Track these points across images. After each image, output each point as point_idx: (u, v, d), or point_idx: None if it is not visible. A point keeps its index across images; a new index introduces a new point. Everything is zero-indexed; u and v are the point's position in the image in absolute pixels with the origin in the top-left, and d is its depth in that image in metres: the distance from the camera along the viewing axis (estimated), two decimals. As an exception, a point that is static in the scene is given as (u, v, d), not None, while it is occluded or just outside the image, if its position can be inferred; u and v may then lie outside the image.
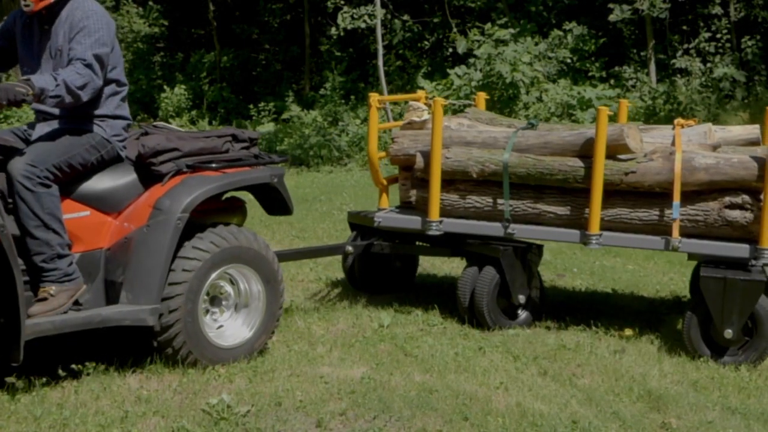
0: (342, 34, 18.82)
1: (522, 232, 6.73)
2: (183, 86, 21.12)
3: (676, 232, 6.40)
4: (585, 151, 6.55)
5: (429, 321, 6.97)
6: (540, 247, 6.87)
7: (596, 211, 6.46)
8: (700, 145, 6.68)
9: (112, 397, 5.19)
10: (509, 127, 7.17)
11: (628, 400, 5.51)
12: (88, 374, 5.42)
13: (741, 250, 6.38)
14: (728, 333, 6.21)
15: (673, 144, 6.63)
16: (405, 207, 7.18)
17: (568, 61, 17.89)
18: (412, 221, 6.93)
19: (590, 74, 18.22)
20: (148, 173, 5.64)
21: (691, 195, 6.41)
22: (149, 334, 5.53)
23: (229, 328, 5.87)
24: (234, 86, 21.87)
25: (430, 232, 6.78)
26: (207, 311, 5.76)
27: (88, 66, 5.29)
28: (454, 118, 7.29)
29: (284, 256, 6.88)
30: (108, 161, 5.59)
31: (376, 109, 6.94)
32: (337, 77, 20.26)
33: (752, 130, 7.05)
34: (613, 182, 6.44)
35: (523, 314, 6.86)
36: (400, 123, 7.49)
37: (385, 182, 7.28)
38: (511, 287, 6.72)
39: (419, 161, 6.81)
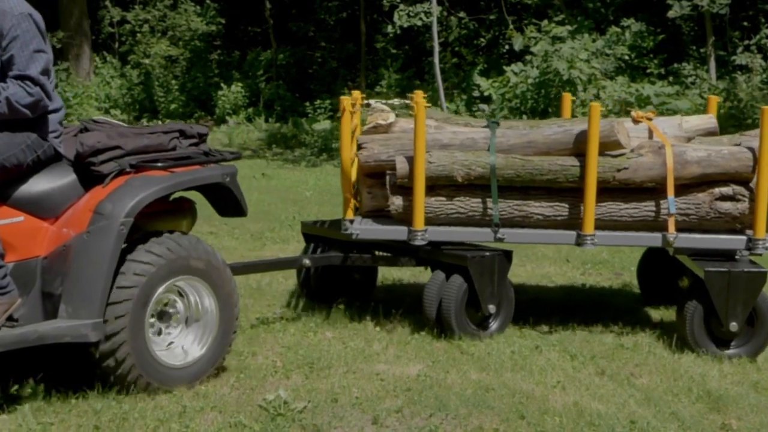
0: (398, 32, 18.81)
1: (512, 236, 6.47)
2: (240, 84, 21.13)
3: (672, 227, 6.34)
4: (575, 149, 6.38)
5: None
6: (509, 254, 6.53)
7: (590, 211, 6.30)
8: (675, 138, 6.67)
9: (170, 392, 5.28)
10: (466, 125, 6.87)
11: (687, 400, 5.44)
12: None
13: (737, 242, 6.38)
14: (734, 326, 6.20)
15: (650, 137, 6.59)
16: (372, 217, 6.76)
17: (626, 58, 17.74)
18: (394, 232, 6.52)
19: (648, 71, 18.07)
20: (87, 174, 5.21)
21: (681, 189, 6.36)
22: (91, 351, 5.06)
23: (180, 345, 5.44)
24: (290, 84, 22.00)
25: (416, 243, 6.41)
26: (154, 327, 5.34)
27: (39, 85, 4.95)
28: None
29: (235, 270, 6.22)
30: (45, 161, 5.14)
31: (349, 113, 6.53)
32: (392, 75, 20.41)
33: (709, 120, 7.05)
34: (606, 180, 6.30)
35: (493, 324, 6.53)
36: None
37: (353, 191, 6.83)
38: (480, 297, 6.41)
39: (400, 167, 6.37)
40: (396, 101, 7.17)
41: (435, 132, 6.66)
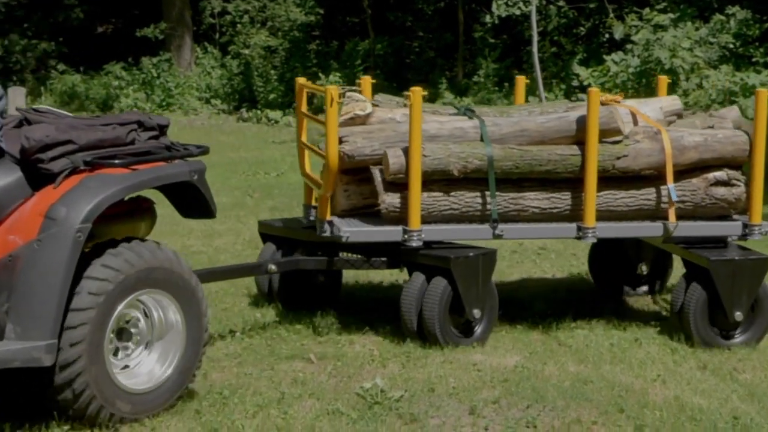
0: (496, 21, 18.60)
1: (511, 232, 6.12)
2: (338, 74, 20.85)
3: (672, 216, 6.17)
4: (572, 137, 6.12)
5: (582, 310, 6.79)
6: (494, 253, 6.10)
7: (591, 202, 6.04)
8: (658, 121, 6.48)
9: (269, 379, 5.41)
10: (433, 113, 6.40)
11: (792, 396, 5.26)
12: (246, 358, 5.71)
13: (733, 228, 6.29)
14: (738, 315, 6.08)
15: (635, 123, 6.38)
16: (347, 216, 6.24)
17: (731, 46, 17.31)
18: (388, 233, 6.00)
19: (754, 60, 17.58)
20: (35, 173, 4.62)
21: (675, 175, 6.18)
22: (43, 376, 4.55)
23: (143, 366, 4.88)
24: (387, 74, 21.79)
25: (412, 244, 5.93)
26: (113, 348, 4.78)
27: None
28: (397, 109, 6.42)
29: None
30: None
31: (337, 104, 5.94)
32: (490, 64, 20.21)
33: (673, 102, 6.85)
34: (605, 168, 6.07)
35: (478, 330, 6.08)
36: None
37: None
38: (464, 301, 5.95)
39: (394, 161, 5.87)
40: (344, 88, 6.42)
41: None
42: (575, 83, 17.89)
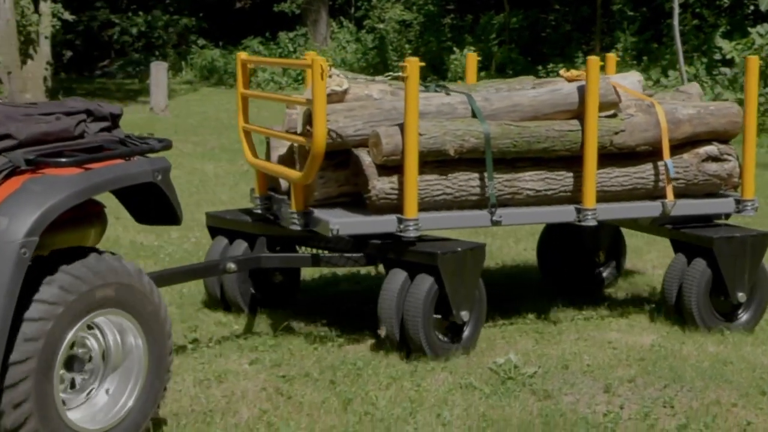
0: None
1: (509, 217, 5.62)
2: (472, 48, 20.60)
3: (671, 194, 5.85)
4: (569, 112, 5.69)
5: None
6: (483, 248, 5.56)
7: (591, 181, 5.63)
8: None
9: (402, 351, 5.42)
10: (391, 86, 5.84)
11: None
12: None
13: (726, 204, 6.06)
14: (741, 296, 5.85)
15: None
16: (321, 207, 5.53)
17: None
18: (381, 223, 5.37)
19: None
20: None
21: (660, 150, 5.86)
22: None
23: (97, 401, 4.16)
24: (522, 47, 21.80)
25: (409, 234, 5.33)
26: (64, 383, 4.06)
27: None
28: (373, 85, 5.83)
29: None
30: None
31: (320, 75, 5.13)
32: (628, 37, 19.91)
33: (633, 78, 6.45)
34: (602, 145, 5.67)
35: (466, 333, 5.50)
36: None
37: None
38: (451, 301, 5.37)
39: (387, 141, 5.26)
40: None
41: (395, 99, 5.63)
42: (717, 57, 17.37)
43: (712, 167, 5.99)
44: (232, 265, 5.63)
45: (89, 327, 4.06)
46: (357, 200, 5.57)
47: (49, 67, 18.48)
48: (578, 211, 5.71)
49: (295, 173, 5.45)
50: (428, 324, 5.29)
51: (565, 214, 5.74)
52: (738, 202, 6.05)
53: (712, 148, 5.99)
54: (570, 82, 6.11)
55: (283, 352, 5.41)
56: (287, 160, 5.79)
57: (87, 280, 3.91)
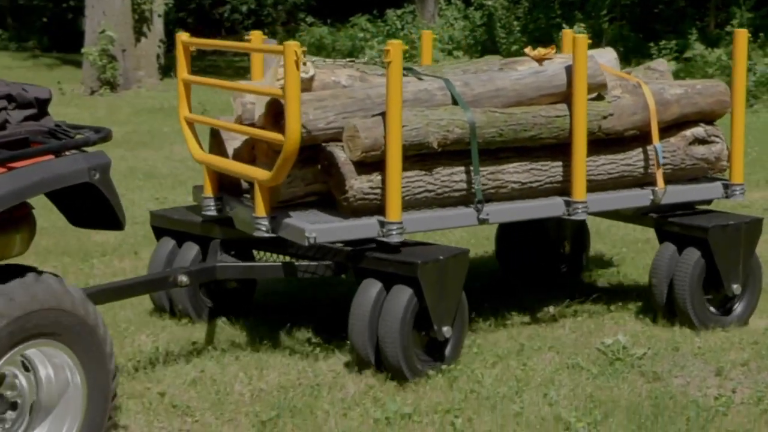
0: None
1: (496, 214, 5.13)
2: (582, 24, 19.74)
3: (661, 181, 5.45)
4: (554, 95, 5.22)
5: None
6: (467, 253, 5.03)
7: (581, 171, 5.17)
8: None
9: (507, 332, 5.47)
10: (358, 71, 5.27)
11: None
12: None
13: (714, 190, 5.69)
14: (736, 288, 5.51)
15: None
16: (287, 208, 4.95)
17: None
18: (361, 228, 4.79)
19: None
20: None
21: (647, 134, 5.46)
22: None
23: None
24: (634, 24, 21.09)
25: (392, 240, 4.76)
26: None
27: None
28: (338, 70, 5.23)
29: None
30: None
31: (294, 63, 4.49)
32: (745, 13, 19.15)
33: (606, 54, 5.98)
34: (591, 130, 5.21)
35: (447, 349, 4.96)
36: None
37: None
38: (432, 316, 4.82)
39: (366, 135, 4.69)
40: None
41: (367, 86, 5.07)
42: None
43: (700, 150, 5.62)
44: (183, 279, 4.98)
45: (18, 361, 3.49)
46: (325, 200, 5.01)
47: (161, 45, 18.43)
48: (567, 204, 5.24)
49: (262, 173, 4.82)
50: (408, 344, 4.74)
51: (553, 207, 5.26)
52: (726, 186, 5.68)
53: (699, 130, 5.62)
54: (538, 61, 5.64)
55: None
56: (243, 155, 5.16)
57: (17, 304, 3.35)
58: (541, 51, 5.69)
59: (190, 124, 5.42)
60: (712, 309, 5.55)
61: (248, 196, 5.25)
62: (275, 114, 4.85)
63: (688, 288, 5.43)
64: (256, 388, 4.65)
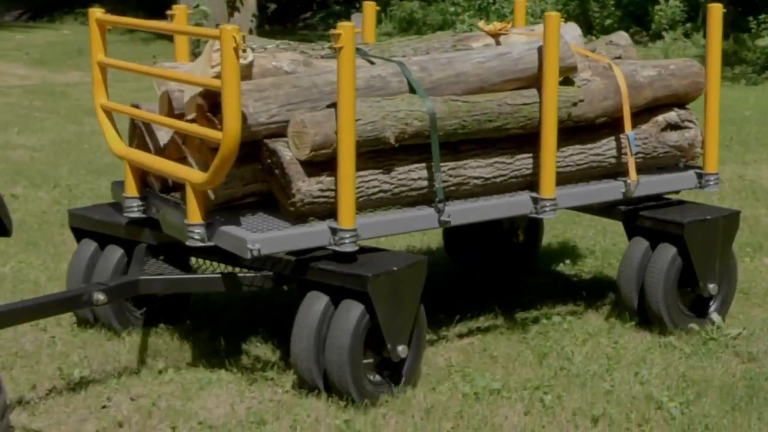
0: None
1: (458, 215, 4.59)
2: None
3: (633, 172, 4.98)
4: (521, 80, 4.70)
5: None
6: (424, 265, 4.42)
7: (550, 164, 4.68)
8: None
9: (597, 309, 5.39)
10: (302, 54, 4.67)
11: None
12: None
13: (687, 180, 5.24)
14: (712, 287, 5.08)
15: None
16: (226, 209, 4.38)
17: None
18: (311, 236, 4.23)
19: None
20: None
21: (618, 121, 4.98)
22: None
23: None
24: None
25: (345, 249, 4.21)
26: None
27: None
28: (279, 53, 4.61)
29: None
30: None
31: (233, 51, 3.89)
32: None
33: (572, 31, 5.40)
34: (560, 119, 4.71)
35: (405, 368, 4.43)
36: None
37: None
38: (385, 335, 4.29)
39: (314, 131, 4.12)
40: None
41: (312, 73, 4.50)
42: None
43: (673, 137, 5.16)
44: (100, 297, 4.34)
45: None
46: (265, 201, 4.43)
47: (254, 19, 18.15)
48: (535, 201, 4.74)
49: (195, 175, 4.22)
50: (358, 366, 4.21)
51: (520, 205, 4.76)
52: (700, 176, 5.24)
53: (672, 115, 5.15)
54: (493, 37, 5.16)
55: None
56: (172, 151, 4.54)
57: None
58: (496, 26, 5.22)
59: (108, 113, 4.77)
60: (684, 310, 5.13)
61: (177, 195, 4.64)
62: (209, 106, 4.24)
63: (662, 288, 4.99)
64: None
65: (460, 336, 5.01)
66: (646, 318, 5.11)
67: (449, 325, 5.10)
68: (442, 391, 4.37)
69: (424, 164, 4.47)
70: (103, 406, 4.24)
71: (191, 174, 4.22)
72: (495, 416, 4.16)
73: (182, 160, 4.44)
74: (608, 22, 20.76)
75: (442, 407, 4.21)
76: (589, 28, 21.22)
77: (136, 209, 4.71)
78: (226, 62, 3.88)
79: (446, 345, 4.88)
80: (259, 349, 4.82)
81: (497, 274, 5.94)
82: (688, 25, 20.70)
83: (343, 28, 4.05)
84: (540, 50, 4.64)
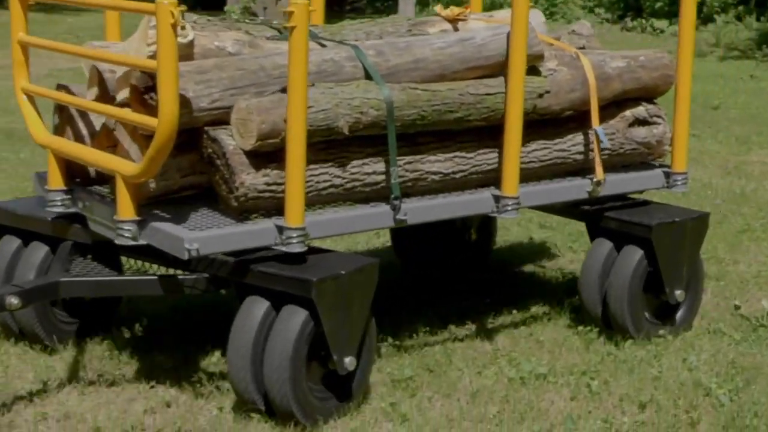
0: None
1: (416, 213, 4.21)
2: None
3: (600, 170, 4.66)
4: (483, 68, 4.34)
5: None
6: (375, 268, 4.00)
7: (514, 160, 4.34)
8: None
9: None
10: (247, 34, 4.25)
11: None
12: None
13: (655, 179, 4.94)
14: (679, 294, 4.79)
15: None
16: (161, 203, 3.98)
17: None
18: (255, 235, 3.82)
19: None
20: None
21: (585, 115, 4.68)
22: None
23: None
24: None
25: (292, 249, 3.82)
26: None
27: None
28: (222, 33, 4.17)
29: None
30: None
31: (170, 27, 3.47)
32: None
33: (536, 18, 5.01)
34: (526, 111, 4.37)
35: (354, 383, 4.03)
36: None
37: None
38: (331, 345, 3.87)
39: (261, 119, 3.74)
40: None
41: (259, 54, 4.10)
42: None
43: (641, 133, 4.85)
44: (13, 301, 3.88)
45: None
46: (204, 194, 4.03)
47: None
48: (497, 199, 4.40)
49: (127, 166, 3.80)
50: (300, 380, 3.81)
51: (480, 203, 4.41)
52: (667, 175, 4.94)
53: (640, 110, 4.85)
54: (450, 22, 4.84)
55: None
56: (101, 139, 4.12)
57: None
58: (454, 10, 4.89)
59: (30, 97, 4.33)
60: (649, 317, 4.84)
61: (106, 188, 4.21)
62: (144, 88, 3.82)
63: (628, 293, 4.69)
64: None
65: (507, 323, 4.99)
66: (609, 325, 4.81)
67: (495, 314, 5.09)
68: (488, 375, 4.38)
69: (379, 157, 4.09)
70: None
71: (122, 165, 3.80)
72: (541, 401, 4.14)
73: (113, 149, 4.03)
74: (659, 5, 20.66)
75: (488, 391, 4.22)
76: (638, 11, 20.68)
77: (60, 203, 4.25)
78: (162, 40, 3.47)
79: (492, 330, 4.87)
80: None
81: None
82: (741, 8, 20.36)
83: (296, 5, 3.65)
84: (506, 36, 4.30)
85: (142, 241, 3.84)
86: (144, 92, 3.80)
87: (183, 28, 3.63)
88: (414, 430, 3.85)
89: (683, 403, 4.12)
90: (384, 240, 6.09)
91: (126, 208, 3.80)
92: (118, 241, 3.85)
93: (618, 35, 19.64)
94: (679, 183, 4.93)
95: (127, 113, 3.80)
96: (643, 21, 20.44)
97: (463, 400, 4.12)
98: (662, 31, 19.70)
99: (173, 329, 4.72)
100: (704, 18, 20.06)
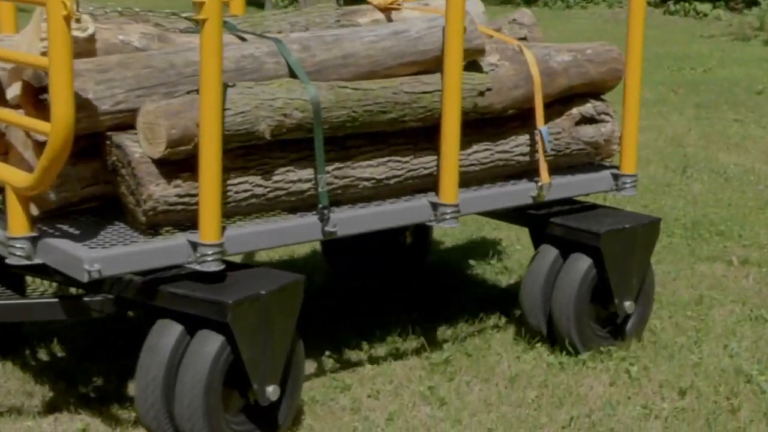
0: None
1: (346, 225, 3.83)
2: None
3: (545, 172, 4.32)
4: (418, 64, 3.98)
5: None
6: (300, 285, 3.61)
7: (452, 165, 3.97)
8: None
9: (687, 279, 5.40)
10: (156, 26, 3.88)
11: None
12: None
13: (603, 182, 4.60)
14: (629, 305, 4.48)
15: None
16: (59, 216, 3.57)
17: None
18: (165, 253, 3.41)
19: None
20: None
21: (529, 113, 4.33)
22: None
23: None
24: None
25: (208, 268, 3.42)
26: None
27: None
28: (127, 25, 3.77)
29: None
30: None
31: (63, 19, 3.02)
32: None
33: (474, 8, 4.67)
34: (464, 110, 4.01)
35: (280, 414, 3.65)
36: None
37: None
38: (250, 373, 3.49)
39: (170, 124, 3.34)
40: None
41: (169, 50, 3.65)
42: None
43: (588, 132, 4.51)
44: None
45: None
46: (108, 205, 3.60)
47: None
48: (435, 207, 4.03)
49: (18, 176, 3.36)
50: (216, 412, 3.41)
51: (417, 212, 4.03)
52: (615, 177, 4.61)
53: (587, 107, 4.50)
54: (382, 11, 4.48)
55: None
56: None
57: None
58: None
59: None
60: (597, 329, 4.52)
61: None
62: (38, 88, 3.39)
63: (574, 305, 4.37)
64: None
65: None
66: (553, 338, 4.49)
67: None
68: (526, 360, 4.39)
69: (305, 163, 3.70)
70: None
71: (13, 175, 3.36)
72: (580, 386, 4.14)
73: (5, 157, 3.59)
74: None
75: (527, 376, 4.23)
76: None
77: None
78: (54, 34, 3.03)
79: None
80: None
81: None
82: None
83: (207, -3, 3.24)
84: (440, 28, 3.93)
85: (37, 261, 3.42)
86: (39, 92, 3.38)
87: (78, 20, 3.21)
88: (452, 413, 3.88)
89: (724, 389, 4.11)
90: (314, 245, 5.72)
91: (18, 223, 3.36)
92: (9, 261, 3.42)
93: (660, 19, 19.35)
94: (627, 186, 4.59)
95: (15, 116, 3.36)
96: (687, 5, 20.09)
97: (501, 385, 4.15)
98: (705, 15, 19.36)
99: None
100: (748, 1, 19.54)
